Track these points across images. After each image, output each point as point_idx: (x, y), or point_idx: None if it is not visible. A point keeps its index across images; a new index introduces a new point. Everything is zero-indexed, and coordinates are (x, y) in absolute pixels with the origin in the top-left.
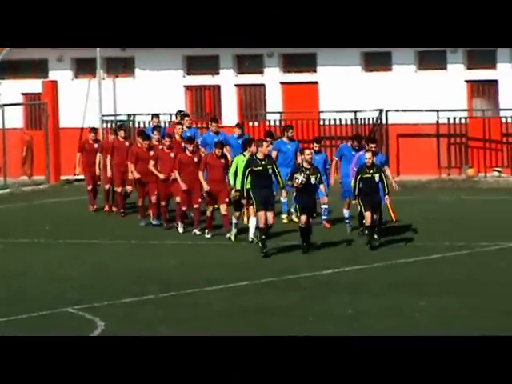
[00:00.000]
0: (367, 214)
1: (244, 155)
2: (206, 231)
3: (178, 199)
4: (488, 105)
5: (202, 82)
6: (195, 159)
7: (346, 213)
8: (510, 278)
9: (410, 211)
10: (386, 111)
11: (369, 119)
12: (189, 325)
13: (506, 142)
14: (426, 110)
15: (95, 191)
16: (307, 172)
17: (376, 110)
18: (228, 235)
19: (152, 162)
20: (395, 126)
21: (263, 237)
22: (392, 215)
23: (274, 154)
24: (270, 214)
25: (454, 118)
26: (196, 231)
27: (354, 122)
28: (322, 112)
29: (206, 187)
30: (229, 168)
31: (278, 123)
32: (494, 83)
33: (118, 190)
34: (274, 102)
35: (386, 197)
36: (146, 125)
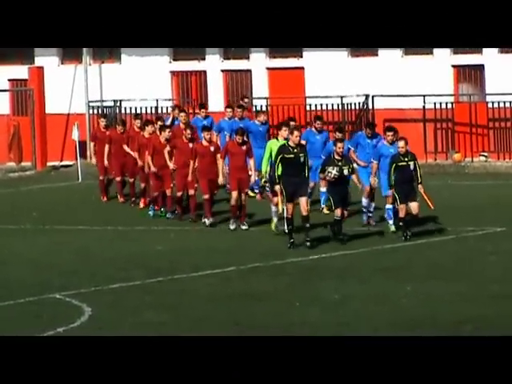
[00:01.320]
0: (402, 207)
1: (278, 139)
2: (231, 221)
3: (191, 192)
4: (474, 90)
5: (188, 67)
6: (212, 149)
7: (364, 202)
8: (496, 263)
9: None
10: (373, 96)
11: (355, 104)
12: (176, 311)
13: (493, 127)
14: (413, 95)
15: (109, 181)
16: (339, 164)
17: (362, 95)
18: (243, 226)
19: (167, 149)
20: (381, 111)
21: (290, 227)
22: (429, 203)
23: None
24: (303, 200)
25: (441, 103)
26: (207, 220)
27: (340, 107)
28: (309, 97)
29: (221, 180)
30: (250, 154)
31: (264, 109)
32: (480, 68)
33: (131, 180)
34: (261, 87)
35: (420, 186)
36: (133, 110)
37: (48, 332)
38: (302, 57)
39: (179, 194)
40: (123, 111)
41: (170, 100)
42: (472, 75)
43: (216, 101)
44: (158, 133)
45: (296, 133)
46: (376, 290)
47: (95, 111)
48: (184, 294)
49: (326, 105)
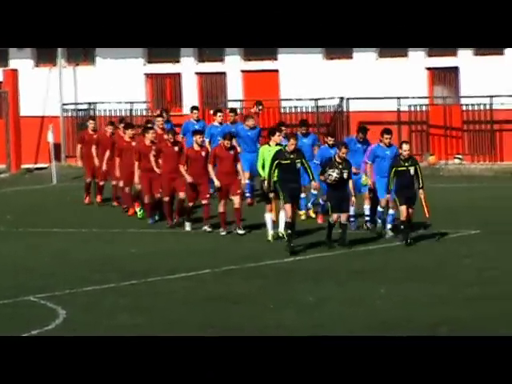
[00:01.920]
0: (403, 209)
1: (269, 145)
2: (221, 229)
3: (181, 195)
4: (449, 92)
5: (162, 70)
6: (203, 154)
7: (366, 209)
8: (471, 265)
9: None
10: (347, 99)
11: (330, 107)
12: (150, 314)
13: (467, 130)
14: (387, 98)
15: (92, 184)
16: (340, 167)
17: (337, 97)
18: (239, 231)
19: (152, 153)
20: (356, 113)
21: (289, 231)
22: (425, 210)
23: None
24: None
25: (415, 106)
26: (206, 228)
27: (315, 109)
28: (283, 100)
29: (217, 183)
30: (237, 159)
31: (238, 111)
32: (454, 70)
33: (125, 187)
34: (235, 90)
35: (421, 191)
36: (107, 113)
37: (22, 335)
38: (276, 59)
39: (166, 198)
40: (98, 114)
41: (144, 102)
42: (446, 78)
43: (191, 103)
44: (142, 136)
45: (292, 141)
46: (351, 292)
47: (70, 114)
48: (159, 296)
49: (301, 107)
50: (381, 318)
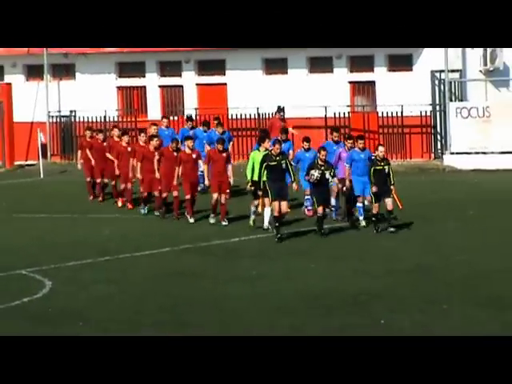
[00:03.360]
0: (376, 205)
1: (259, 150)
2: (212, 215)
3: (175, 194)
4: (367, 101)
5: (131, 83)
6: (194, 156)
7: (333, 201)
8: (386, 245)
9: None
10: (283, 107)
11: (269, 114)
12: (121, 285)
13: (382, 133)
14: (316, 106)
15: (94, 184)
16: (322, 168)
17: (275, 106)
18: (223, 222)
19: (156, 157)
20: (290, 119)
21: (277, 224)
22: (398, 203)
23: None
24: (283, 204)
25: (339, 113)
26: (190, 219)
27: (256, 116)
28: (230, 108)
29: (207, 182)
30: (229, 161)
31: (194, 118)
32: (372, 84)
33: (123, 186)
34: (191, 100)
35: (393, 187)
36: (86, 119)
37: (15, 302)
38: (225, 74)
39: (164, 195)
40: (77, 120)
41: (116, 110)
42: (365, 89)
43: (154, 111)
44: (147, 142)
45: (277, 145)
46: (286, 267)
47: (54, 120)
48: (128, 270)
49: (245, 114)
50: (312, 289)
